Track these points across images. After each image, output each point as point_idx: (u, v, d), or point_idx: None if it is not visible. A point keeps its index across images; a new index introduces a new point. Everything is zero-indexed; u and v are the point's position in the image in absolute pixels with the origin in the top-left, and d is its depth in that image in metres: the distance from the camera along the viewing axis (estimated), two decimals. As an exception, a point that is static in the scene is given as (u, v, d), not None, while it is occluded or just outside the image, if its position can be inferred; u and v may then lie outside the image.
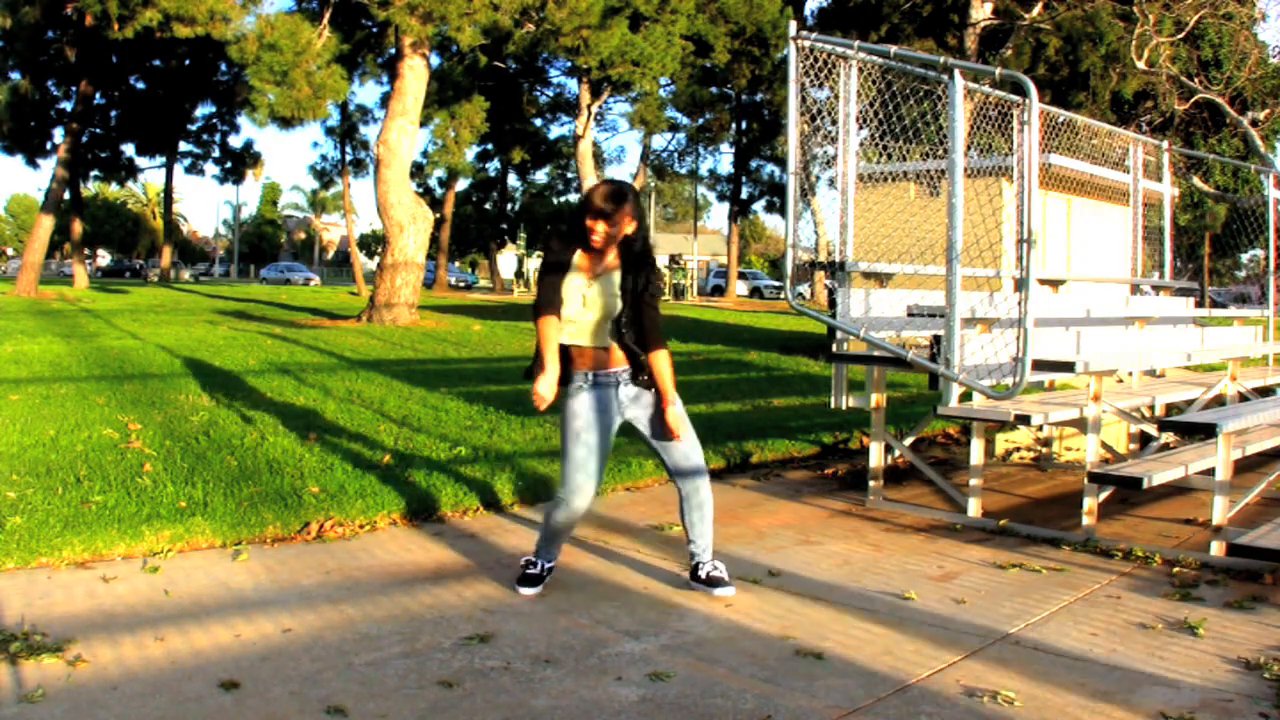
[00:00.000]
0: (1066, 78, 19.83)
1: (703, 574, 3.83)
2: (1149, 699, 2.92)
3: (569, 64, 31.19)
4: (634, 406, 3.77)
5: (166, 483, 4.97)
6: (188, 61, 29.92)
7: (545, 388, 3.55)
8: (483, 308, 25.45)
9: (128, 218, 73.78)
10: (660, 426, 3.75)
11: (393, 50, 19.78)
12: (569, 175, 48.39)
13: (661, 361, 3.70)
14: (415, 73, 17.97)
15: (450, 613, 3.57)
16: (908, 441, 5.68)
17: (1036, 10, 18.77)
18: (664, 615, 3.59)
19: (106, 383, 8.60)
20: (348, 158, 35.92)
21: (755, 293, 51.15)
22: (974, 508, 5.13)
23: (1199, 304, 9.29)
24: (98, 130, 31.13)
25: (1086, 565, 4.34)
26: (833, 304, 5.64)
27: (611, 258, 3.69)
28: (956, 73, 4.52)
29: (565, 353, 3.69)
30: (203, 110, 34.44)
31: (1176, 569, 4.26)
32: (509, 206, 49.70)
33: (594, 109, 29.31)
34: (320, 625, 3.41)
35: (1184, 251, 18.64)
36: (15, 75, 27.39)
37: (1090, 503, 4.76)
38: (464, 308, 25.08)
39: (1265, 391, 6.87)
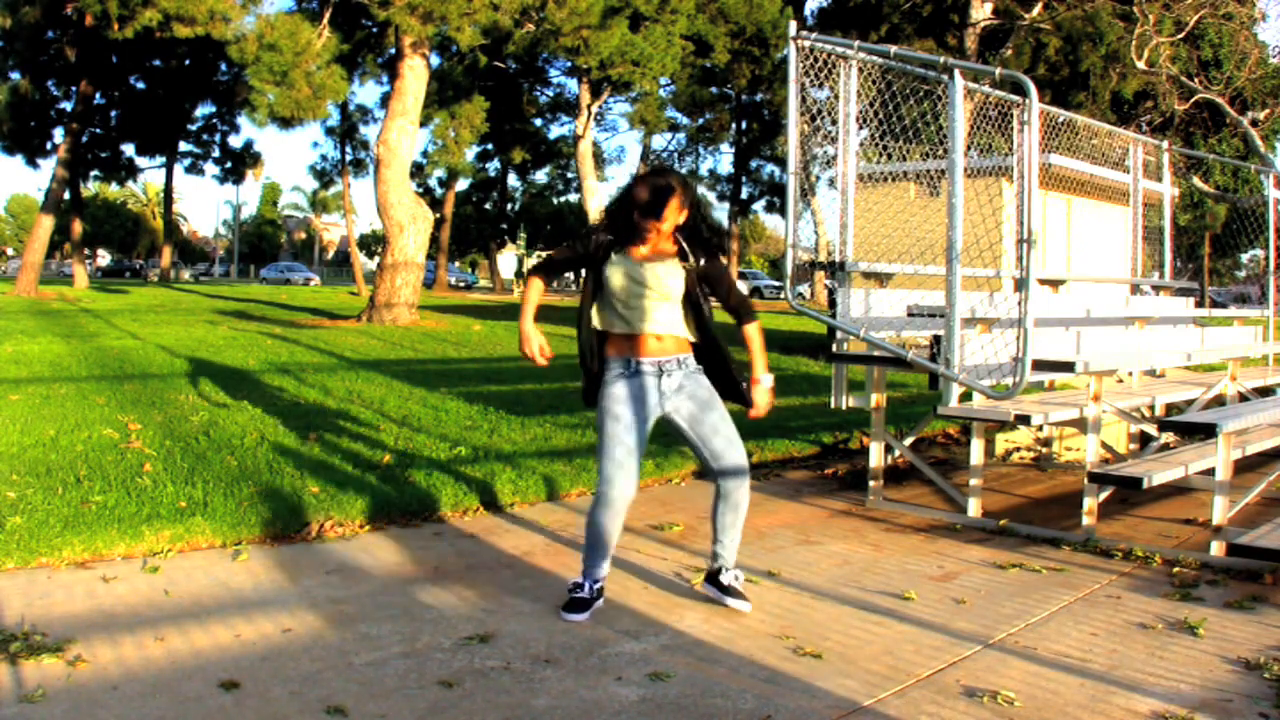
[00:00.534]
0: (1066, 78, 19.84)
1: (724, 580, 3.68)
2: (1149, 699, 2.93)
3: (569, 64, 31.17)
4: (677, 397, 3.62)
5: (166, 483, 4.97)
6: (188, 61, 29.91)
7: (530, 346, 3.62)
8: (483, 308, 25.46)
9: (128, 218, 73.78)
10: (705, 416, 3.64)
11: (393, 50, 19.78)
12: (569, 175, 48.43)
13: (754, 332, 3.71)
14: (415, 73, 17.98)
15: (450, 613, 3.57)
16: (908, 441, 5.68)
17: (1036, 10, 18.77)
18: (664, 615, 3.59)
19: (106, 383, 8.61)
20: (348, 158, 35.92)
21: (755, 293, 51.06)
22: (974, 508, 5.13)
23: (1199, 304, 9.30)
24: (98, 130, 31.12)
25: (1086, 565, 4.34)
26: (833, 304, 5.64)
27: (667, 244, 3.60)
28: (956, 73, 4.52)
29: (604, 339, 3.63)
30: (203, 110, 34.48)
31: (1176, 569, 4.26)
32: (509, 206, 49.75)
33: (594, 109, 29.28)
34: (320, 625, 3.41)
35: (1184, 251, 18.64)
36: (15, 75, 27.39)
37: (1090, 503, 4.76)
38: (464, 308, 25.09)
39: (1265, 391, 6.87)
